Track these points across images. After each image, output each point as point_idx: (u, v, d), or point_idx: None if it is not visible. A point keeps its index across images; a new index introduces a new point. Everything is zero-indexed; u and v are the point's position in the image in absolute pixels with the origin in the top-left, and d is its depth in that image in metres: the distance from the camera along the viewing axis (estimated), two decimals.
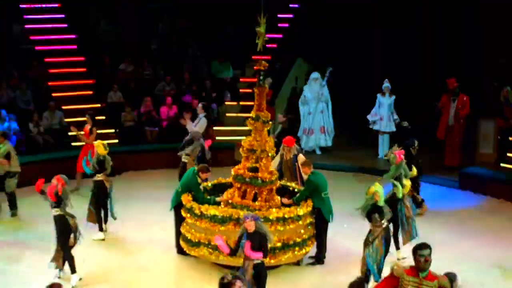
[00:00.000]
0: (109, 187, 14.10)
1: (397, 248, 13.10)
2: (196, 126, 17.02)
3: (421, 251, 8.29)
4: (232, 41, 22.75)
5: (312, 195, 12.82)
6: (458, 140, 18.60)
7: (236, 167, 12.98)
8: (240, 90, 22.04)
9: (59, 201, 11.73)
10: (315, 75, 20.17)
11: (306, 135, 20.27)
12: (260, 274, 10.53)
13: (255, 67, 12.74)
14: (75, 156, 17.13)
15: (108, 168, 14.05)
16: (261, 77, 12.56)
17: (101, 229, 14.17)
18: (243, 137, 13.13)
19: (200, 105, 17.71)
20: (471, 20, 21.09)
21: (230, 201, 12.83)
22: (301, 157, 14.44)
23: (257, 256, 10.42)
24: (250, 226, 10.49)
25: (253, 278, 10.46)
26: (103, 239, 14.02)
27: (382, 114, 19.57)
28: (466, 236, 14.51)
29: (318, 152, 20.28)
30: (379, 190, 11.33)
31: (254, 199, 12.72)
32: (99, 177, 14.04)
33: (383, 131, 19.70)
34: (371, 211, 11.39)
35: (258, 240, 10.43)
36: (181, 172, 15.06)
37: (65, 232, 11.82)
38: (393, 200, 12.85)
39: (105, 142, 14.31)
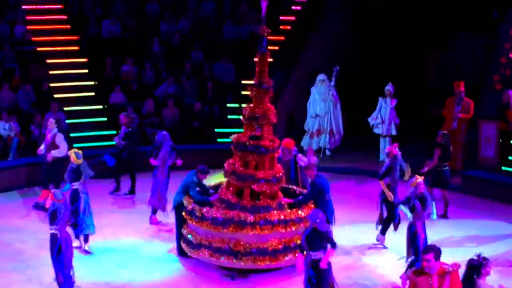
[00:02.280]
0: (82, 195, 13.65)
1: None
2: (59, 144, 15.95)
3: (425, 255, 8.29)
4: (235, 43, 22.74)
5: (316, 198, 12.80)
6: (461, 143, 18.58)
7: (237, 135, 12.91)
8: (242, 93, 22.01)
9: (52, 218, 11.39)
10: (321, 76, 20.08)
11: (309, 136, 20.21)
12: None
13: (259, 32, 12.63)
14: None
15: (82, 175, 13.63)
16: (264, 44, 12.51)
17: (76, 236, 13.64)
18: None
19: (51, 119, 16.43)
20: (474, 21, 21.12)
21: (232, 170, 12.67)
22: (302, 158, 14.45)
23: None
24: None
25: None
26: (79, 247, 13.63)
27: (384, 117, 19.53)
28: (467, 240, 14.51)
29: (328, 153, 20.21)
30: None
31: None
32: (75, 185, 13.62)
33: (385, 134, 19.66)
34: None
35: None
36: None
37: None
38: None
39: (74, 151, 13.82)
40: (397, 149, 13.91)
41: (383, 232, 13.99)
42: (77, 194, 13.57)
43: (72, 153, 13.76)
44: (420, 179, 12.06)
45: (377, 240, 14.05)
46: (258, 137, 12.69)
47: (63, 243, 11.25)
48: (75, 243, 13.16)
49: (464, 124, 18.53)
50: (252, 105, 12.75)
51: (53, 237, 11.29)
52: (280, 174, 12.87)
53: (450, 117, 18.57)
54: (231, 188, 12.76)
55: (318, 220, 10.56)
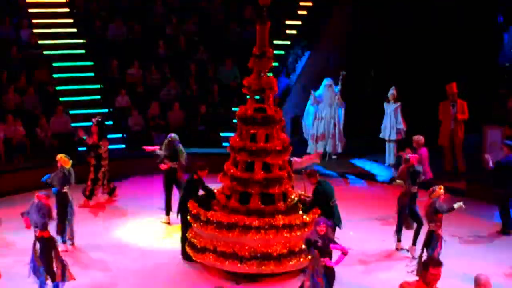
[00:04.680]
0: (71, 200, 13.79)
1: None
2: None
3: (434, 269, 8.02)
4: (239, 46, 22.74)
5: (321, 204, 12.76)
6: (460, 144, 18.57)
7: (241, 108, 12.87)
8: (248, 96, 21.98)
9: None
10: (328, 81, 19.99)
11: (313, 140, 20.11)
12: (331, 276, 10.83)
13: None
14: (81, 161, 17.14)
15: (72, 180, 13.76)
16: (264, 14, 12.50)
17: (64, 241, 13.70)
18: None
19: None
20: (478, 26, 21.11)
21: (241, 146, 12.64)
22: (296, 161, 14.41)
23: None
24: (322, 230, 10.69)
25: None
26: (66, 251, 13.52)
27: (385, 122, 19.45)
28: (473, 244, 14.48)
29: (334, 157, 20.12)
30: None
31: None
32: (64, 189, 13.71)
33: (387, 139, 19.56)
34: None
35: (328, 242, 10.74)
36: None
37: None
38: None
39: (64, 155, 13.90)
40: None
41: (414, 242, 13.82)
42: (66, 198, 13.64)
43: (62, 157, 13.78)
44: (441, 189, 12.03)
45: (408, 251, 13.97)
46: (262, 109, 12.70)
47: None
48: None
49: (461, 125, 18.51)
50: (253, 76, 12.75)
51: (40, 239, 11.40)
52: (287, 143, 12.89)
53: (447, 119, 18.56)
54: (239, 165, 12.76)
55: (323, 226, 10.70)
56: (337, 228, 12.98)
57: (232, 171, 12.74)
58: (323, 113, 19.96)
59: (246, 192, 12.55)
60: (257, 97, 12.93)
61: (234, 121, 20.63)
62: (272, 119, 12.62)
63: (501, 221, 15.22)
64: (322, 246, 10.60)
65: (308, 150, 19.78)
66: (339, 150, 20.10)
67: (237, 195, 12.65)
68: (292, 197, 13.01)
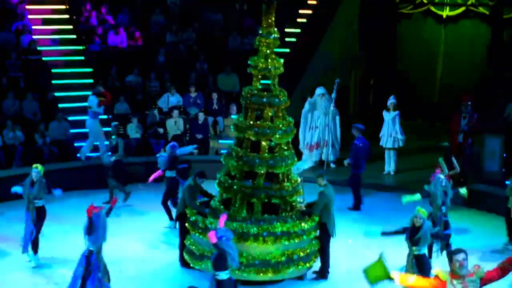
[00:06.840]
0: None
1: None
2: None
3: (456, 256, 8.30)
4: (239, 54, 22.77)
5: (322, 208, 12.72)
6: (466, 157, 18.55)
7: (247, 88, 12.88)
8: None
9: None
10: (321, 90, 19.96)
11: (307, 149, 20.04)
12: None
13: None
14: (80, 167, 17.11)
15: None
16: None
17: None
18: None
19: None
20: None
21: (247, 125, 12.63)
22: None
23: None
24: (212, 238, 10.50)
25: None
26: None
27: (384, 130, 19.43)
28: (473, 254, 14.45)
29: (333, 166, 20.03)
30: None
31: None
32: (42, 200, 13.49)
33: (387, 147, 19.52)
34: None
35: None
36: None
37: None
38: None
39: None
40: (436, 175, 13.59)
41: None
42: (44, 210, 13.53)
43: (41, 167, 13.57)
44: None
45: None
46: (268, 90, 12.73)
47: None
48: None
49: (470, 138, 18.50)
50: (259, 56, 12.75)
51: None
52: (293, 123, 12.93)
53: (456, 131, 18.53)
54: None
55: (224, 239, 10.52)
56: (331, 237, 12.93)
57: (237, 151, 12.74)
58: (318, 122, 19.94)
59: (252, 172, 12.54)
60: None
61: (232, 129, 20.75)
62: (279, 98, 12.63)
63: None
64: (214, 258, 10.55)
65: (303, 159, 19.74)
66: (333, 158, 19.95)
67: (242, 175, 12.64)
68: (297, 179, 13.05)
